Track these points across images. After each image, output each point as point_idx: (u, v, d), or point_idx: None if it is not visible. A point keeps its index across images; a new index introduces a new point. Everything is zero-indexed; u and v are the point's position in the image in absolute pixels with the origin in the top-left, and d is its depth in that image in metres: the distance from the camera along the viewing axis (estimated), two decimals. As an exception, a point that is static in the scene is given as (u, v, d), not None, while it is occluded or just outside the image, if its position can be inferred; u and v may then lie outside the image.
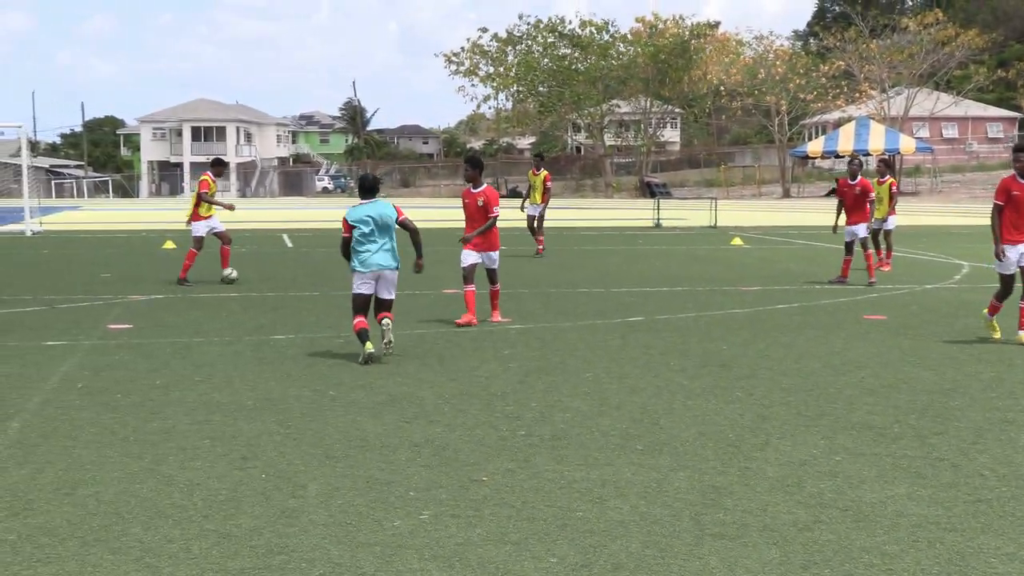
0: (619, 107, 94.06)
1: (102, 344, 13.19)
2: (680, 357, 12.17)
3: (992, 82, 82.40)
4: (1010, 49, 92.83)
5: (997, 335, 13.25)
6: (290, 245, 31.97)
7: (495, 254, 14.94)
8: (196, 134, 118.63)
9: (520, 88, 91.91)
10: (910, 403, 9.75)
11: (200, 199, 20.07)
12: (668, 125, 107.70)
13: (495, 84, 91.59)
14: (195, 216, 20.11)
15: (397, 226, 12.33)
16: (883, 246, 23.14)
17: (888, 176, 23.37)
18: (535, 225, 27.23)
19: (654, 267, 24.04)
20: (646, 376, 11.04)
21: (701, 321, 15.22)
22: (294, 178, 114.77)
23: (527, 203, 27.76)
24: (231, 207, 21.29)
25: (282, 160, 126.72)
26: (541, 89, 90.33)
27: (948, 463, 7.77)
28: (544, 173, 27.54)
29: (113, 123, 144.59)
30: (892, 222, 23.39)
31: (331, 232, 39.03)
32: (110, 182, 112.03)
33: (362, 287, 12.22)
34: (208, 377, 11.00)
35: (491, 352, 12.51)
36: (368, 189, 12.41)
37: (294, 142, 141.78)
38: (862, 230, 19.94)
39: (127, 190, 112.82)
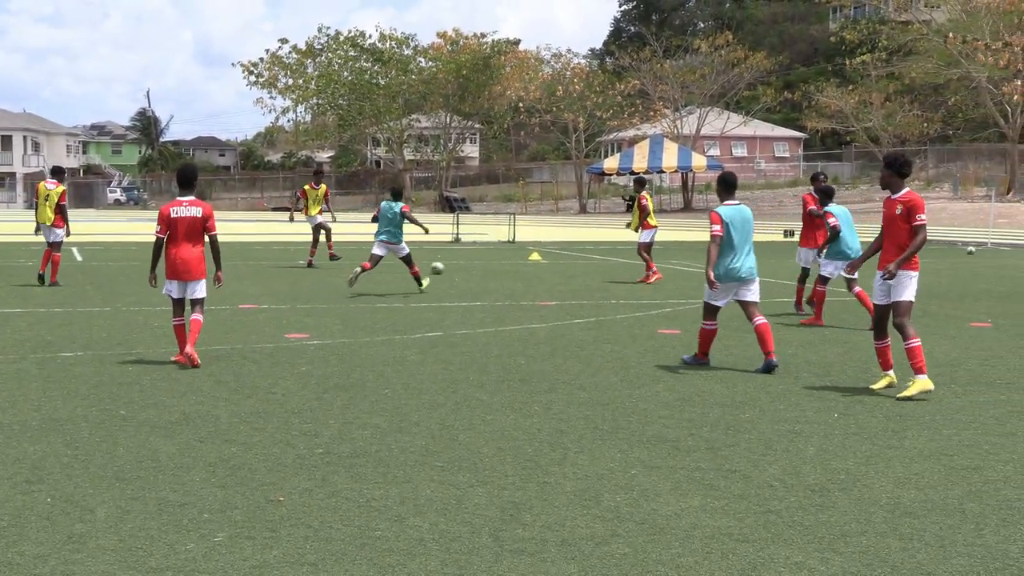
0: (419, 122, 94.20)
1: None
2: (479, 372, 12.20)
3: (779, 103, 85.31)
4: (795, 72, 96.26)
5: (879, 384, 11.28)
6: (80, 259, 30.98)
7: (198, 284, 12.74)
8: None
9: (320, 101, 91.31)
10: (703, 416, 9.97)
11: (63, 208, 22.27)
12: (468, 140, 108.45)
13: (294, 96, 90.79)
14: (58, 222, 22.37)
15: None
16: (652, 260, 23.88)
17: (642, 191, 24.08)
18: (319, 235, 28.25)
19: (453, 282, 24.10)
20: (445, 392, 11.03)
21: (500, 336, 15.31)
22: (85, 190, 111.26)
23: (313, 214, 27.90)
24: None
25: (72, 171, 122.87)
26: (341, 102, 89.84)
27: (739, 474, 7.96)
28: (323, 187, 28.30)
29: None
30: (647, 236, 23.86)
31: (124, 245, 38.14)
32: None
33: (376, 249, 20.65)
34: (-10, 397, 10.54)
35: (288, 368, 12.33)
36: (395, 194, 21.10)
37: (85, 152, 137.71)
38: (812, 255, 18.22)
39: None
